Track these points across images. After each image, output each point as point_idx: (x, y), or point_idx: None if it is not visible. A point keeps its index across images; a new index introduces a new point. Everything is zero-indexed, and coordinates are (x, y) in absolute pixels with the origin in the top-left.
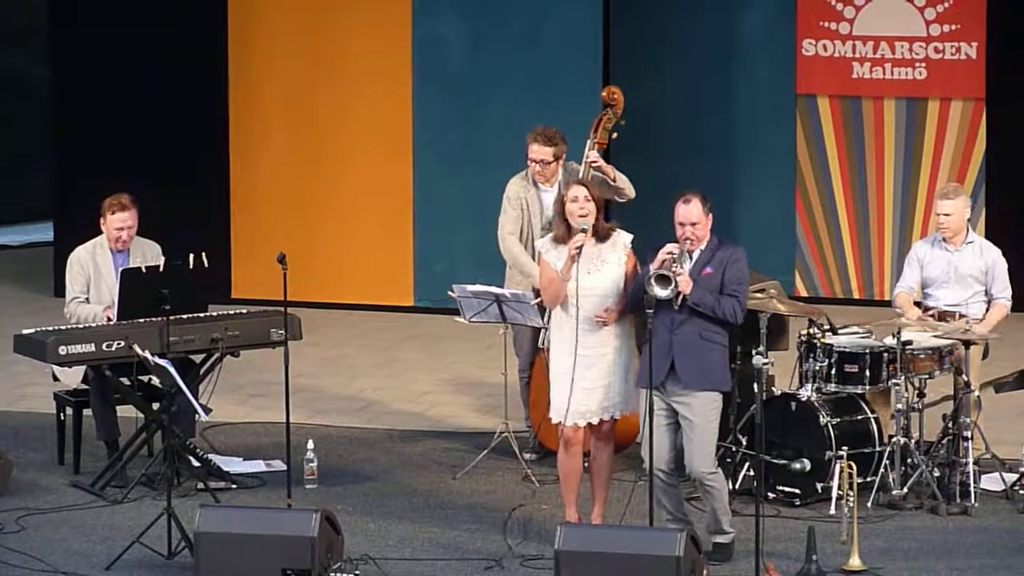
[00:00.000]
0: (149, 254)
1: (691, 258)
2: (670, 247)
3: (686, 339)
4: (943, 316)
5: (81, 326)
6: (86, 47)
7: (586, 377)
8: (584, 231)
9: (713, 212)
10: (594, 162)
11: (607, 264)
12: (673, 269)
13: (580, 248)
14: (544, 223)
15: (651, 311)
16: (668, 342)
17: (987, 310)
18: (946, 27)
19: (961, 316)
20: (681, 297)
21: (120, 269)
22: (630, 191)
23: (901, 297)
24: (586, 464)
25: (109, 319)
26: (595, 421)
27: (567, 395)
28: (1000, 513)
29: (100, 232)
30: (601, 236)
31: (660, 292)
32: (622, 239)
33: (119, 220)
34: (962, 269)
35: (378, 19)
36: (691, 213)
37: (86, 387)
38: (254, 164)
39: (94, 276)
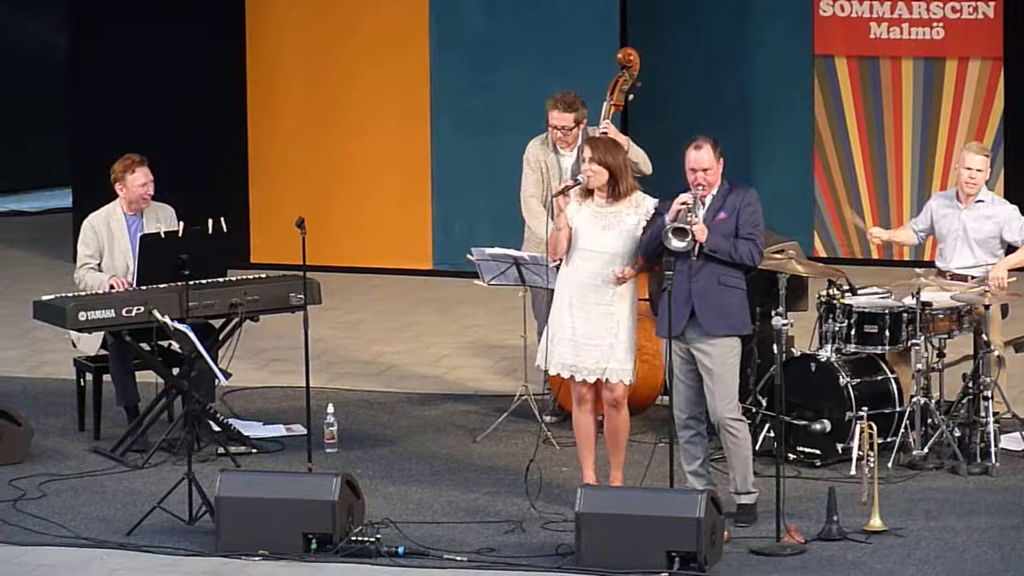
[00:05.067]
0: (163, 216)
1: (704, 204)
2: (683, 197)
3: (705, 286)
4: (957, 278)
5: (101, 291)
6: (104, 14)
7: (585, 332)
8: (579, 182)
9: (724, 157)
10: (604, 131)
11: (623, 224)
12: (688, 219)
13: (564, 191)
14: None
15: (670, 272)
16: (687, 290)
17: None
18: None
19: (974, 278)
20: (698, 245)
21: (139, 235)
22: (646, 167)
23: (904, 230)
24: (602, 427)
25: (124, 286)
26: (591, 380)
27: (579, 350)
28: (1021, 473)
29: (117, 197)
30: (617, 195)
31: (678, 244)
32: (646, 203)
33: (141, 176)
34: (970, 230)
35: None
36: (702, 159)
37: (106, 353)
38: (272, 129)
39: (107, 241)
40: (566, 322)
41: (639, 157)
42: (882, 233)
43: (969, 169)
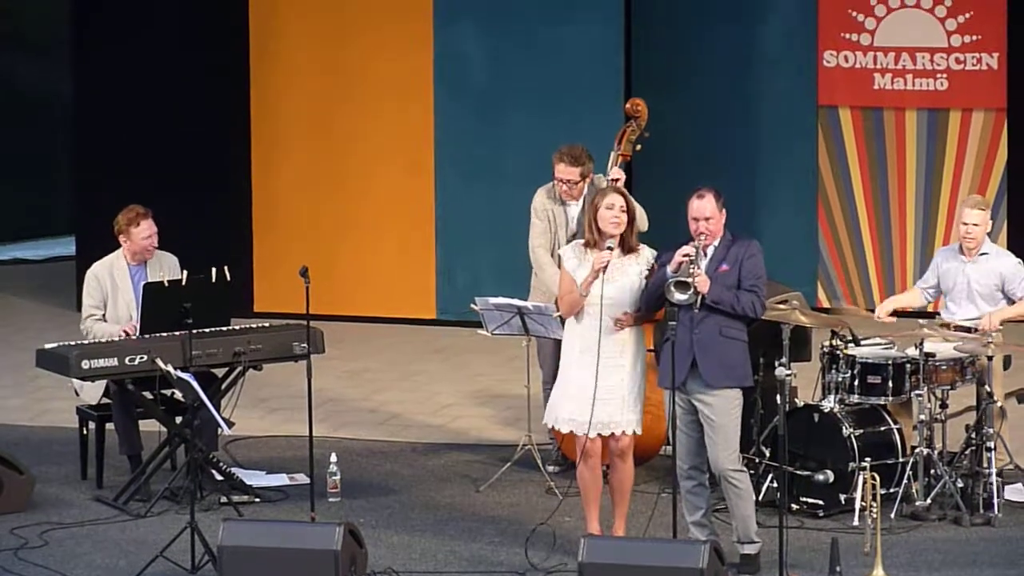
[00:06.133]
0: (167, 265)
1: (706, 255)
2: (686, 249)
3: (706, 337)
4: (961, 330)
5: (104, 339)
6: (109, 64)
7: (602, 387)
8: (611, 249)
9: (728, 207)
10: (616, 180)
11: (627, 276)
12: (691, 271)
13: (606, 265)
14: (569, 236)
15: (674, 323)
16: (689, 341)
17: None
18: (967, 38)
19: (976, 330)
20: (700, 297)
21: (142, 283)
22: (642, 223)
23: (911, 292)
24: (607, 478)
25: (126, 333)
26: (606, 433)
27: (589, 406)
28: (1023, 523)
29: (120, 246)
30: (626, 248)
31: (680, 297)
32: (646, 253)
33: (146, 229)
34: (974, 283)
35: (399, 36)
36: (704, 208)
37: (108, 401)
38: (276, 178)
39: (111, 291)
40: (575, 377)
41: (638, 213)
42: (889, 306)
43: (966, 224)
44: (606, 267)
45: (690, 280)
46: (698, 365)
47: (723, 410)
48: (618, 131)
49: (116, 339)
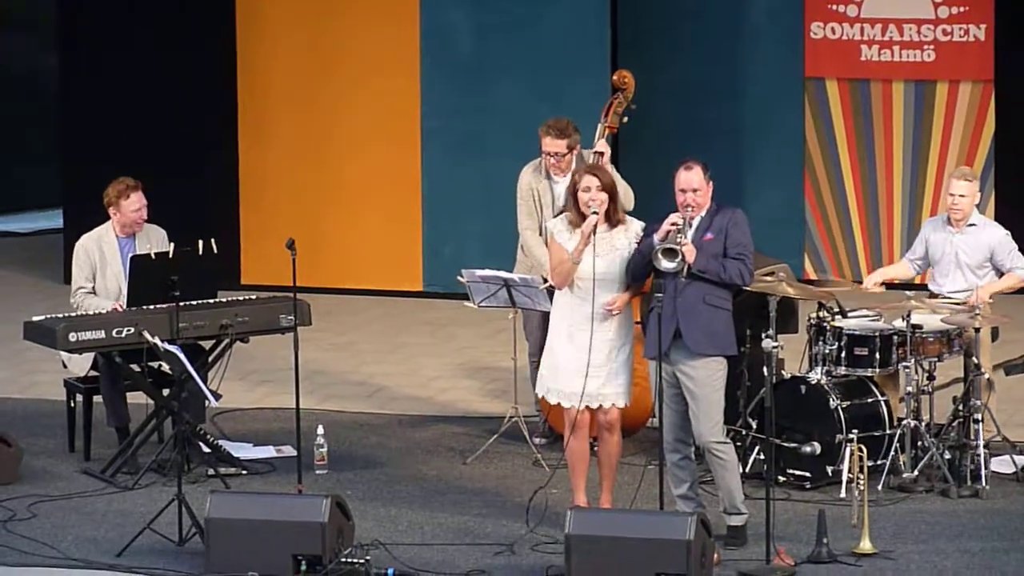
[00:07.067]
0: (155, 238)
1: (691, 226)
2: (673, 218)
3: (690, 304)
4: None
5: (91, 312)
6: (94, 36)
7: (586, 360)
8: (596, 213)
9: (715, 180)
10: (601, 153)
11: (617, 250)
12: (679, 240)
13: (594, 228)
14: (555, 212)
15: (660, 295)
16: (672, 308)
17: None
18: (954, 9)
19: (965, 303)
20: (687, 266)
21: (129, 256)
22: (627, 201)
23: (899, 264)
24: (594, 449)
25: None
26: (594, 405)
27: (580, 379)
28: (1011, 495)
29: (108, 218)
30: (612, 222)
31: (668, 265)
32: (634, 226)
33: (136, 201)
34: (962, 255)
35: (385, 8)
36: (692, 179)
37: (96, 374)
38: (263, 150)
39: (100, 263)
40: (567, 351)
41: (622, 189)
42: (877, 277)
43: (953, 195)
44: (595, 229)
45: (677, 247)
46: (682, 333)
47: (705, 381)
48: (605, 103)
49: (104, 311)
